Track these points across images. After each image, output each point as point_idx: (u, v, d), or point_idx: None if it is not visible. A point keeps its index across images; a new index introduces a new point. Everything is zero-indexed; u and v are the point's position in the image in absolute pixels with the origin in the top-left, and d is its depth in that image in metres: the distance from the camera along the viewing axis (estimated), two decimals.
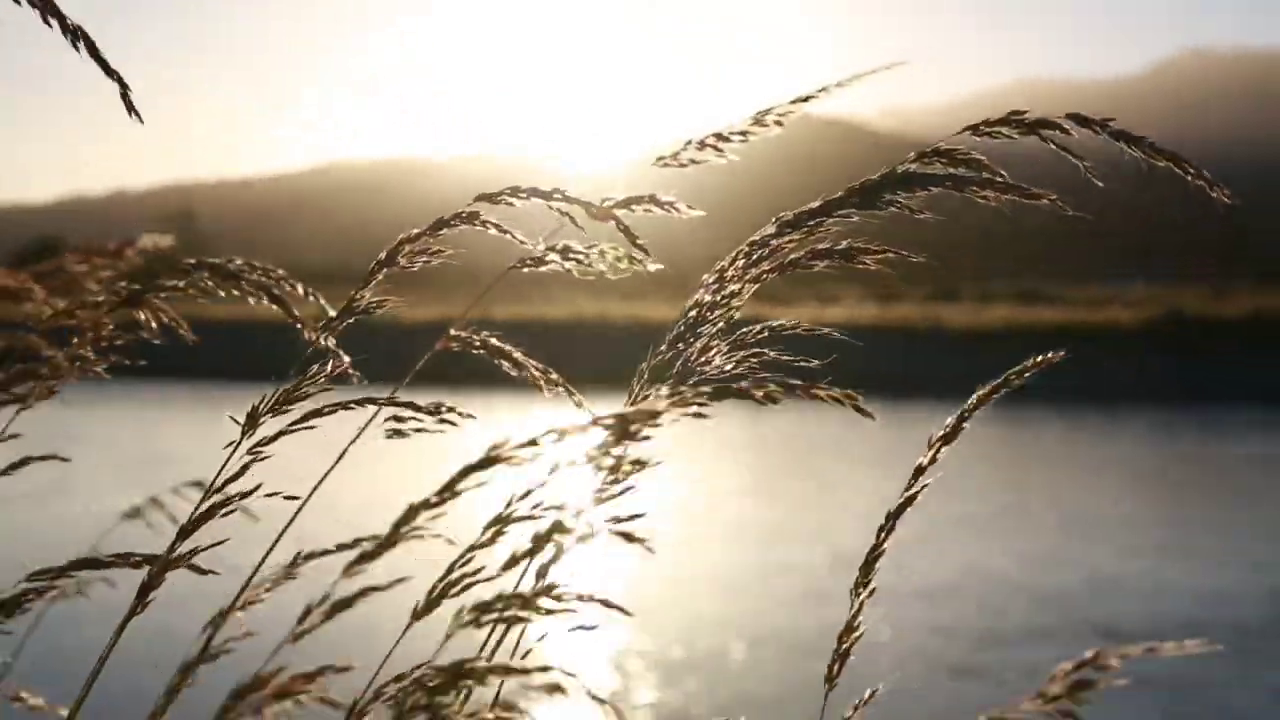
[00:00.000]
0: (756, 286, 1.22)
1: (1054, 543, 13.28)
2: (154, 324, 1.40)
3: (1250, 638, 9.68)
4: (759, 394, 0.94)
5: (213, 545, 1.27)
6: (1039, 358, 1.30)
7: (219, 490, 1.28)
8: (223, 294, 1.38)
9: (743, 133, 1.21)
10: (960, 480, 15.73)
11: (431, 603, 1.12)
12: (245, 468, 1.28)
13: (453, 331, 1.30)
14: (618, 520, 0.98)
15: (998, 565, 12.12)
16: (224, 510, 1.27)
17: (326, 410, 1.31)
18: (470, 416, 1.29)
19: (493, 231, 1.26)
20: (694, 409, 0.92)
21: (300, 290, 1.42)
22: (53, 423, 1.63)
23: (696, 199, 1.23)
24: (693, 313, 1.24)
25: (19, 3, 1.05)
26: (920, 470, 1.29)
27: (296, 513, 1.27)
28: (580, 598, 1.01)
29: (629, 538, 0.93)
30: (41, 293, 1.60)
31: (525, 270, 1.26)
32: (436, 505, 1.00)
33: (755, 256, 1.22)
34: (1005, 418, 24.72)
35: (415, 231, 1.30)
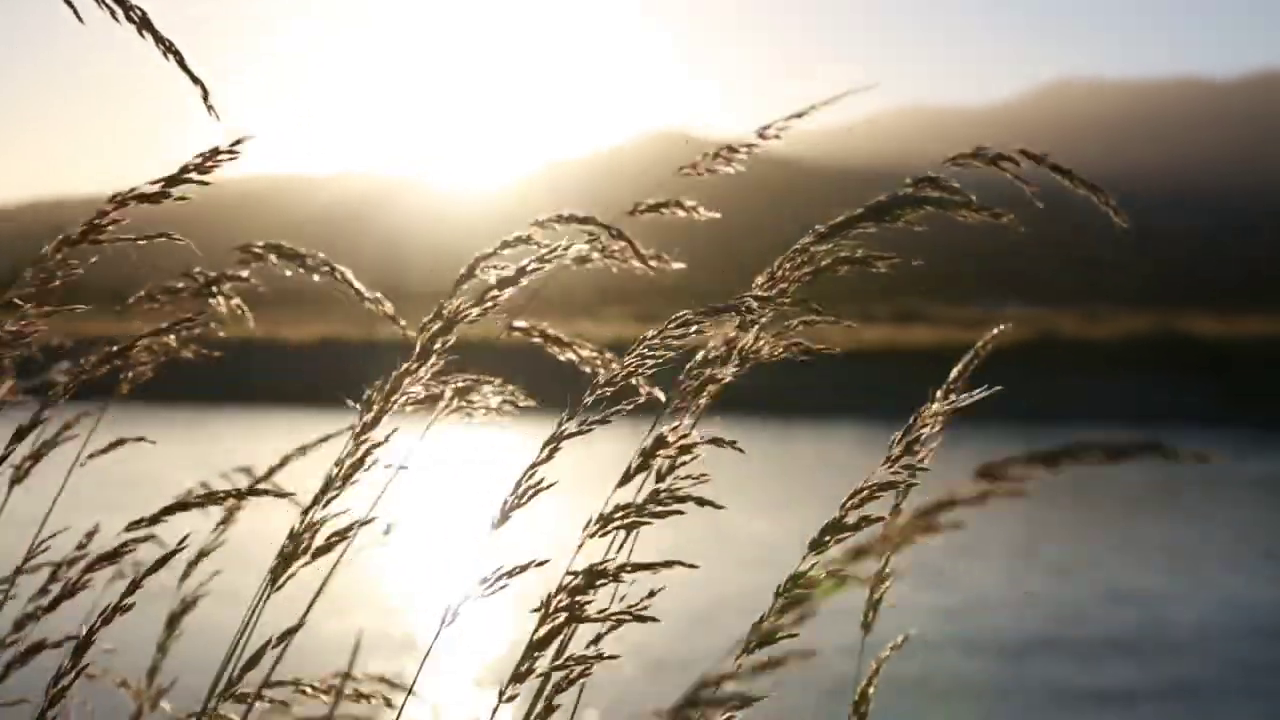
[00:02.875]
0: (797, 285, 1.40)
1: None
2: (224, 310, 1.48)
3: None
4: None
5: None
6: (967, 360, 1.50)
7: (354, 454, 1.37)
8: (289, 274, 1.47)
9: (749, 145, 1.40)
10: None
11: (506, 514, 1.34)
12: (366, 454, 1.37)
13: (515, 324, 1.47)
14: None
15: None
16: (366, 466, 1.35)
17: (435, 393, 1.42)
18: (529, 402, 1.51)
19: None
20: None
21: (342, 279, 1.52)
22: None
23: (632, 226, 1.39)
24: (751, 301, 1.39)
25: (117, 19, 1.12)
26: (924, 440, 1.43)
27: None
28: (679, 499, 1.26)
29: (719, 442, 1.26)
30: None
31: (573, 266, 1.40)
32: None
33: (798, 261, 1.39)
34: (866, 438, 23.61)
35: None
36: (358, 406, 1.38)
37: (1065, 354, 33.99)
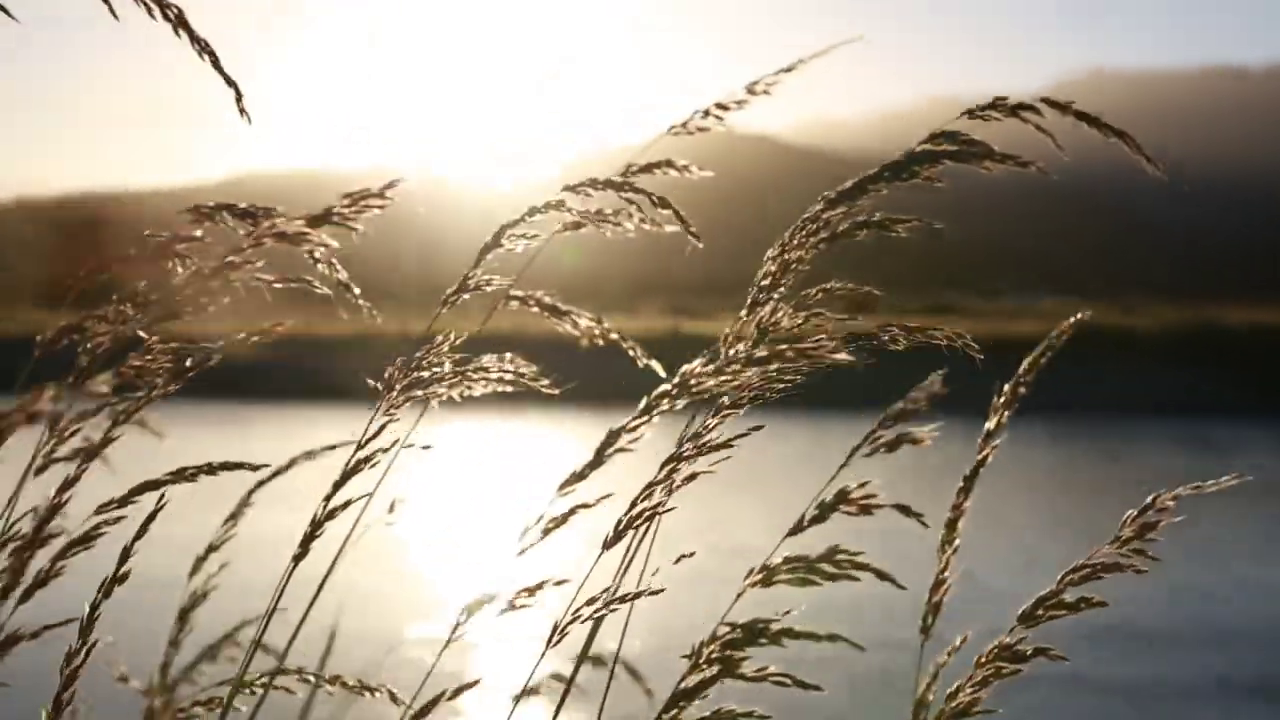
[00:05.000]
0: (815, 253, 1.33)
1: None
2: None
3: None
4: (886, 337, 1.18)
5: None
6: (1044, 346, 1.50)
7: (363, 447, 1.32)
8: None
9: (739, 101, 1.35)
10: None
11: (619, 533, 1.21)
12: (382, 428, 1.33)
13: (512, 292, 1.37)
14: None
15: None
16: (370, 463, 1.31)
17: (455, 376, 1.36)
18: (538, 380, 1.41)
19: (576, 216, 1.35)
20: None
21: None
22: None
23: (630, 212, 1.33)
24: (764, 280, 1.34)
25: (153, 17, 1.10)
26: (988, 435, 1.45)
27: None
28: (858, 565, 1.15)
29: (906, 511, 1.14)
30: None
31: (567, 233, 1.36)
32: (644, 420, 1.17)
33: (811, 229, 1.32)
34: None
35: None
36: (378, 385, 1.34)
37: (1100, 346, 32.89)
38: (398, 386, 1.35)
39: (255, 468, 1.43)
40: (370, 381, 1.36)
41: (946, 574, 1.40)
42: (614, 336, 1.40)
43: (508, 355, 1.38)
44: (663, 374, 1.33)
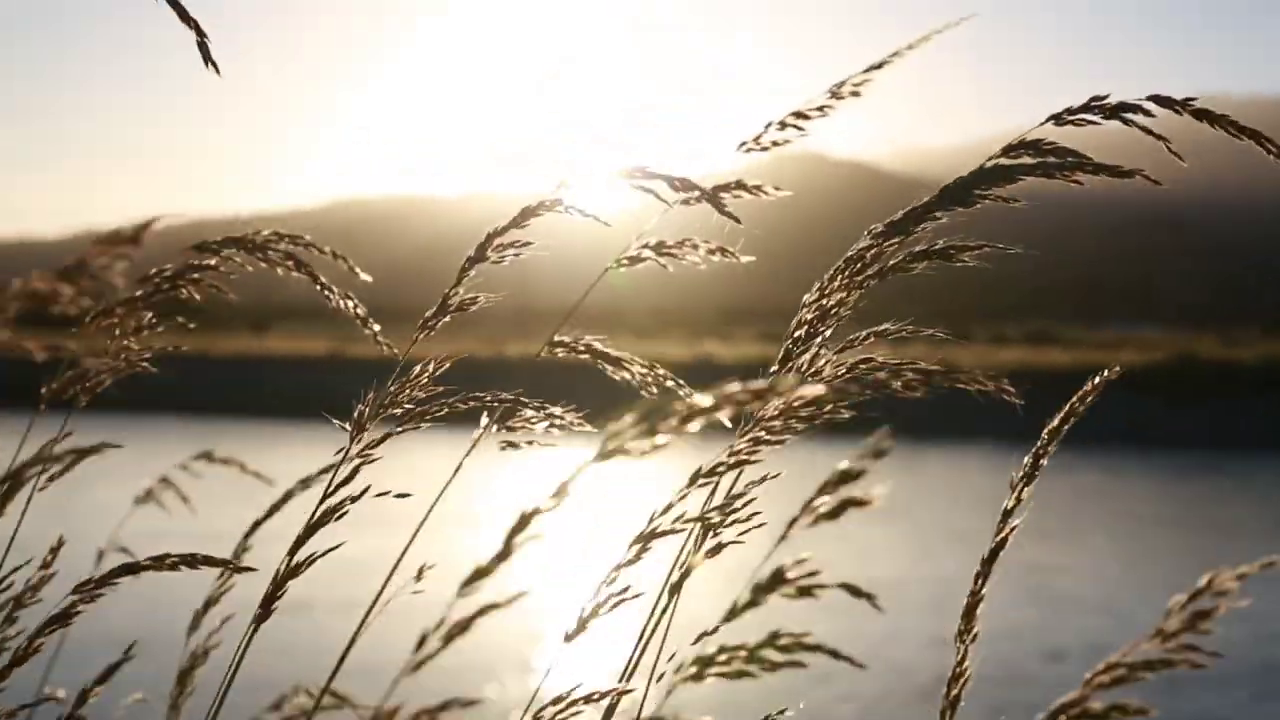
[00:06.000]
0: (861, 292, 1.20)
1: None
2: (198, 296, 1.35)
3: None
4: (898, 384, 0.98)
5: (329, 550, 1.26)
6: (1096, 379, 1.26)
7: (331, 495, 1.27)
8: (250, 269, 1.35)
9: (820, 108, 1.19)
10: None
11: (583, 624, 1.09)
12: (355, 470, 1.28)
13: (556, 338, 1.29)
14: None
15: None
16: (338, 514, 1.27)
17: (435, 410, 1.29)
18: (582, 425, 1.26)
19: (577, 216, 1.24)
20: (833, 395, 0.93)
21: (330, 254, 1.38)
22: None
23: (720, 240, 1.22)
24: (799, 332, 1.22)
25: None
26: (1007, 513, 1.26)
27: (413, 537, 1.24)
28: (805, 647, 0.96)
29: (855, 592, 0.91)
30: (70, 291, 1.28)
31: (622, 268, 1.25)
32: (550, 509, 0.92)
33: (857, 267, 1.19)
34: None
35: (500, 226, 1.28)
36: (345, 426, 1.29)
37: (1201, 377, 32.61)
38: (368, 426, 1.30)
39: (237, 569, 1.41)
40: (337, 421, 1.30)
41: (965, 665, 1.25)
42: (669, 384, 1.32)
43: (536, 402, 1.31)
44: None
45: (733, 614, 0.96)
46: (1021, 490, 1.26)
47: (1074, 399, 1.28)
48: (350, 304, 1.37)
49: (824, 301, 1.22)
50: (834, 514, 0.97)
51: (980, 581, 1.27)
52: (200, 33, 1.16)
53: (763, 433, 1.09)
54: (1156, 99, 1.06)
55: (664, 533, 1.09)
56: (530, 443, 1.27)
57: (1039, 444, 1.27)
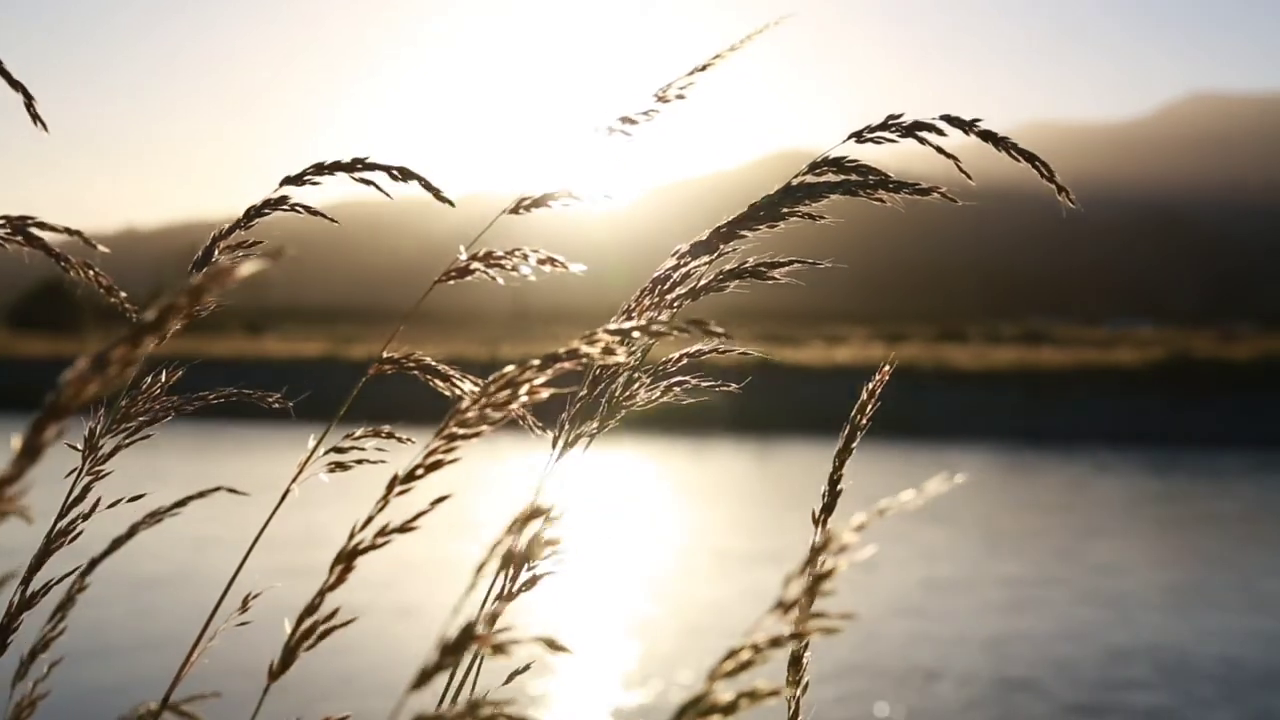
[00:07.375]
0: (673, 311, 1.17)
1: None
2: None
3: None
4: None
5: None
6: (883, 369, 1.22)
7: (63, 516, 1.24)
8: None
9: (646, 112, 1.16)
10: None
11: (288, 656, 1.01)
12: (86, 489, 1.25)
13: (384, 354, 1.22)
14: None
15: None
16: (71, 536, 1.23)
17: (160, 415, 1.26)
18: (409, 440, 1.18)
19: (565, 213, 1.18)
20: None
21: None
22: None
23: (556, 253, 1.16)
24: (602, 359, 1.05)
25: None
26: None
27: (245, 557, 1.16)
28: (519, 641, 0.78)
29: (553, 645, 0.75)
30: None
31: (451, 283, 1.19)
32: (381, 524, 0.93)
33: (665, 288, 1.18)
34: (1013, 463, 24.24)
35: (226, 227, 1.25)
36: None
37: (1199, 375, 32.84)
38: (101, 444, 1.26)
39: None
40: (69, 443, 1.23)
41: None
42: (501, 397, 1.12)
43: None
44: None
45: (423, 679, 0.78)
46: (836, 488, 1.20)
47: (863, 392, 1.23)
48: (92, 273, 1.31)
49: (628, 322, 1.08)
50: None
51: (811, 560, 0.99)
52: (28, 96, 1.22)
53: (458, 428, 0.96)
54: (948, 119, 1.11)
55: (366, 549, 1.00)
56: (360, 461, 1.21)
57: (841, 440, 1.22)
